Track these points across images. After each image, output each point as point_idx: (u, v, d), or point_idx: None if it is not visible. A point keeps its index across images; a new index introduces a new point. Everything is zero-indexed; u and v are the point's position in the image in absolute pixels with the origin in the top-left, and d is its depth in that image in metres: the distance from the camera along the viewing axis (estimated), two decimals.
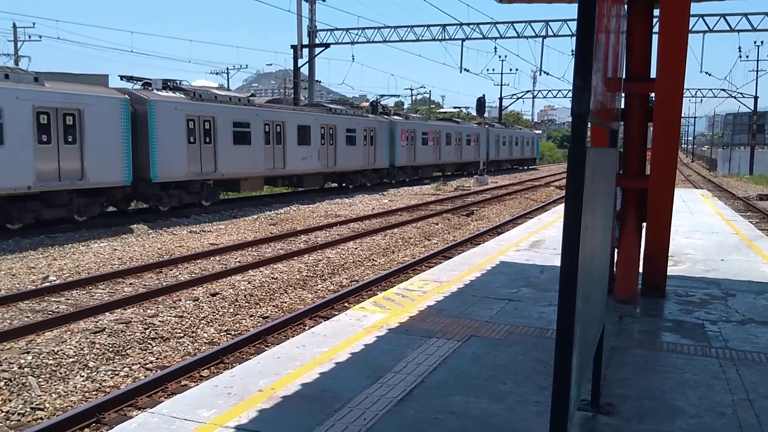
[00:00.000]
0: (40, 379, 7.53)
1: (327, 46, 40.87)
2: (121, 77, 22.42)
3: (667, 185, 8.28)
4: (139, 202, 22.54)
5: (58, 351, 8.22)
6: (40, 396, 7.16)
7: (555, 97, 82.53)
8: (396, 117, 39.98)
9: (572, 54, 39.90)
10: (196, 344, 9.09)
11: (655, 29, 8.44)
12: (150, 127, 20.57)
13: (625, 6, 7.78)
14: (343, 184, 33.84)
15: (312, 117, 29.62)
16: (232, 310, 10.65)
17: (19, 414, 6.74)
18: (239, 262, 14.24)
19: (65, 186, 18.10)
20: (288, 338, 8.10)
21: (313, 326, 8.29)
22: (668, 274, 8.83)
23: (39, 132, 17.34)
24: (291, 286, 12.43)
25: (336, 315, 8.44)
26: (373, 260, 15.28)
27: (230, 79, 68.38)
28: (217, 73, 74.89)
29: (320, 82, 49.98)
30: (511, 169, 63.07)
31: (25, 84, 17.24)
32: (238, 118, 24.60)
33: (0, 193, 16.58)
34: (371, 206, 26.35)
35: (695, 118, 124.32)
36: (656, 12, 8.40)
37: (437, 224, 21.27)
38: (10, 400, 7.00)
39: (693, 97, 79.00)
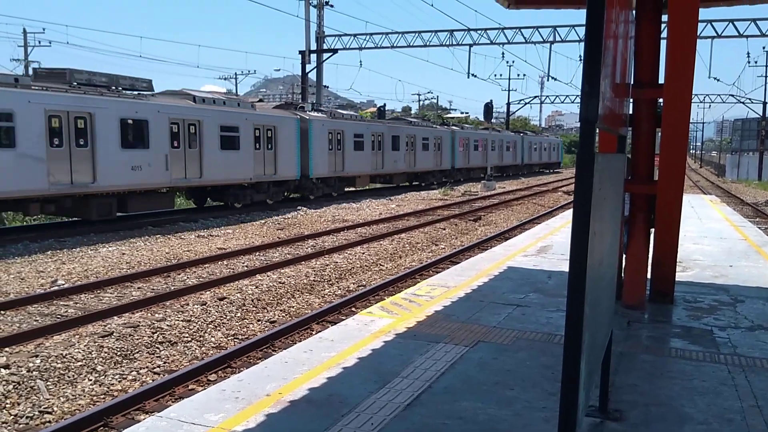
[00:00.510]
0: (48, 383, 7.56)
1: (335, 51, 41.00)
2: None
3: (676, 191, 8.26)
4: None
5: (66, 354, 8.25)
6: (48, 399, 7.19)
7: (563, 102, 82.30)
8: (455, 127, 48.01)
9: (580, 59, 39.84)
10: (203, 348, 9.10)
11: (664, 35, 8.43)
12: (310, 138, 28.83)
13: (634, 12, 7.78)
14: (408, 184, 41.50)
15: (403, 129, 39.13)
16: (239, 314, 10.67)
17: (27, 417, 6.77)
18: (247, 266, 14.26)
19: (267, 179, 26.58)
20: (295, 343, 8.11)
21: (320, 331, 8.30)
22: (677, 279, 8.80)
23: (256, 142, 25.64)
24: (298, 290, 12.44)
25: (343, 320, 8.44)
26: (381, 265, 15.28)
27: (238, 84, 68.63)
28: (225, 78, 75.08)
29: (328, 87, 50.12)
30: (539, 172, 71.03)
31: (246, 109, 25.71)
32: (357, 131, 33.58)
33: (242, 182, 25.27)
34: (378, 211, 26.36)
35: (704, 123, 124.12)
36: (664, 18, 8.40)
37: (444, 229, 21.26)
38: (18, 404, 7.03)
39: (701, 102, 78.79)
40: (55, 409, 7.00)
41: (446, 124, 49.02)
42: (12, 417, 6.74)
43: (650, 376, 6.00)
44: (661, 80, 8.16)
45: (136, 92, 20.19)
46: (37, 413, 6.87)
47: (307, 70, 40.09)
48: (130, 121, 19.98)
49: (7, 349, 8.44)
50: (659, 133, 8.49)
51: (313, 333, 9.21)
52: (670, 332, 7.48)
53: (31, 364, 7.86)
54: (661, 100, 8.30)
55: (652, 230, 8.46)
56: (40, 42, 51.97)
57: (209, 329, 9.84)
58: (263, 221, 22.48)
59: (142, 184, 20.71)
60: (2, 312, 10.28)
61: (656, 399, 5.42)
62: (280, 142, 26.99)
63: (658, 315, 8.18)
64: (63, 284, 12.31)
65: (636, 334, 7.39)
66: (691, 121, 9.16)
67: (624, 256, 8.26)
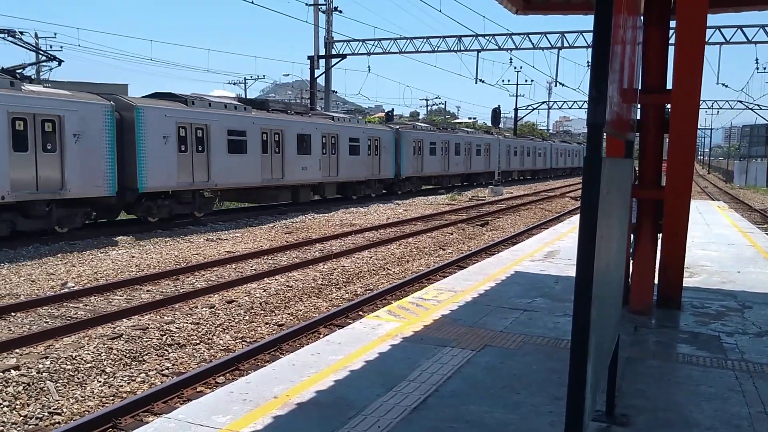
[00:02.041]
0: (58, 384, 7.61)
1: (343, 56, 41.10)
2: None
3: (683, 196, 8.26)
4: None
5: (76, 356, 8.31)
6: (57, 400, 7.24)
7: (570, 108, 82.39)
8: (500, 136, 55.52)
9: (588, 65, 39.78)
10: (211, 351, 9.15)
11: (672, 40, 8.45)
12: (402, 146, 36.07)
13: (641, 17, 7.80)
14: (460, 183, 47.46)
15: (463, 138, 45.91)
16: (247, 317, 10.71)
17: (37, 418, 6.82)
18: (255, 270, 14.32)
19: (374, 177, 33.57)
20: (303, 346, 8.13)
21: (327, 334, 8.33)
22: (684, 285, 8.79)
23: (369, 150, 32.85)
24: (306, 294, 12.48)
25: (351, 323, 8.47)
26: (388, 269, 15.31)
27: (247, 89, 68.85)
28: (234, 83, 75.44)
29: (336, 92, 50.28)
30: (562, 175, 76.90)
31: (362, 125, 33.06)
32: (432, 140, 40.14)
33: (360, 179, 32.88)
34: (386, 216, 26.38)
35: (711, 129, 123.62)
36: (672, 23, 8.41)
37: (452, 234, 21.27)
38: (28, 404, 7.09)
39: (709, 108, 78.43)
40: (65, 410, 7.05)
41: (490, 133, 56.62)
42: (22, 418, 6.79)
43: (657, 381, 6.00)
44: (669, 86, 8.17)
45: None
46: (46, 414, 6.92)
47: (315, 75, 40.20)
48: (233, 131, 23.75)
49: (17, 350, 8.51)
50: (667, 139, 8.50)
51: (321, 336, 9.24)
52: (677, 338, 7.47)
53: (41, 366, 7.92)
54: (668, 105, 8.31)
55: (660, 236, 8.47)
56: (51, 46, 52.22)
57: (218, 332, 9.89)
58: (271, 225, 22.54)
59: (240, 183, 24.68)
60: (13, 314, 10.36)
61: (663, 404, 5.43)
62: (383, 150, 34.58)
63: (665, 320, 8.17)
64: (73, 287, 12.39)
65: (643, 339, 7.39)
66: (698, 127, 9.16)
67: (631, 261, 8.27)
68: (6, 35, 20.25)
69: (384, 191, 35.93)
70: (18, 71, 18.18)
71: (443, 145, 41.99)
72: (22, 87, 17.16)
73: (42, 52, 23.15)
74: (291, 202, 28.27)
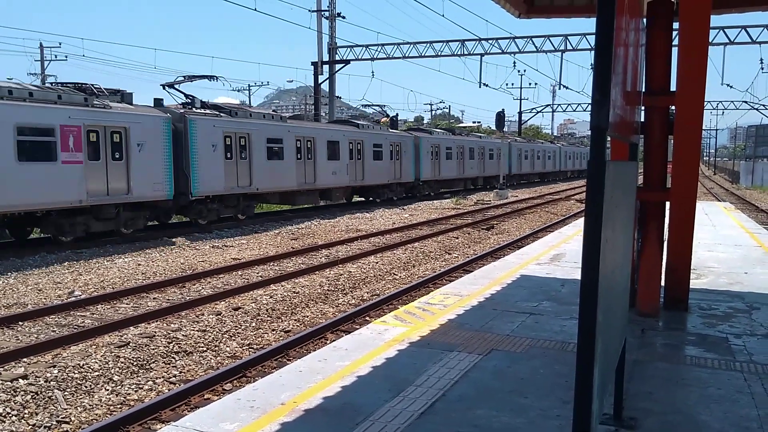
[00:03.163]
0: (65, 393, 7.63)
1: (347, 62, 41.18)
2: None
3: (689, 198, 8.24)
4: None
5: (83, 365, 8.33)
6: (65, 409, 7.26)
7: (575, 110, 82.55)
8: (563, 144, 65.24)
9: (591, 68, 39.73)
10: (218, 358, 9.16)
11: (675, 42, 8.44)
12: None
13: (645, 19, 7.79)
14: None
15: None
16: (254, 324, 10.72)
17: (45, 427, 6.84)
18: (261, 276, 14.33)
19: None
20: (310, 352, 8.13)
21: (334, 340, 8.33)
22: (691, 287, 8.76)
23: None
24: (312, 300, 12.48)
25: (357, 329, 8.47)
26: (394, 274, 15.31)
27: (252, 96, 68.99)
28: (238, 90, 75.57)
29: (340, 97, 50.31)
30: (573, 177, 79.86)
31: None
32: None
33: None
34: (392, 220, 26.39)
35: (717, 130, 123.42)
36: (676, 25, 8.41)
37: (457, 238, 21.25)
38: (36, 413, 7.10)
39: (714, 109, 78.34)
40: (73, 418, 7.07)
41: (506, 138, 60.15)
42: (30, 427, 6.81)
43: (665, 383, 5.98)
44: (673, 88, 8.16)
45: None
46: (54, 423, 6.93)
47: (319, 81, 40.29)
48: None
49: (25, 359, 8.54)
50: (672, 141, 8.48)
51: (328, 342, 9.23)
52: (684, 340, 7.45)
53: (48, 375, 7.94)
54: (673, 107, 8.30)
55: (666, 237, 8.45)
56: (56, 56, 52.57)
57: (224, 339, 9.90)
58: (277, 231, 22.57)
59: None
60: (20, 323, 10.39)
61: (671, 407, 5.41)
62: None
63: (673, 323, 8.15)
64: (80, 295, 12.42)
65: (650, 341, 7.37)
66: (703, 128, 9.14)
67: (638, 263, 8.25)
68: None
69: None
70: (95, 86, 19.64)
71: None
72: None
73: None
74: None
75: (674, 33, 8.66)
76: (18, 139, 16.36)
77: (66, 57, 56.36)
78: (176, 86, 23.25)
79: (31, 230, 19.08)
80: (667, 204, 8.42)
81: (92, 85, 19.49)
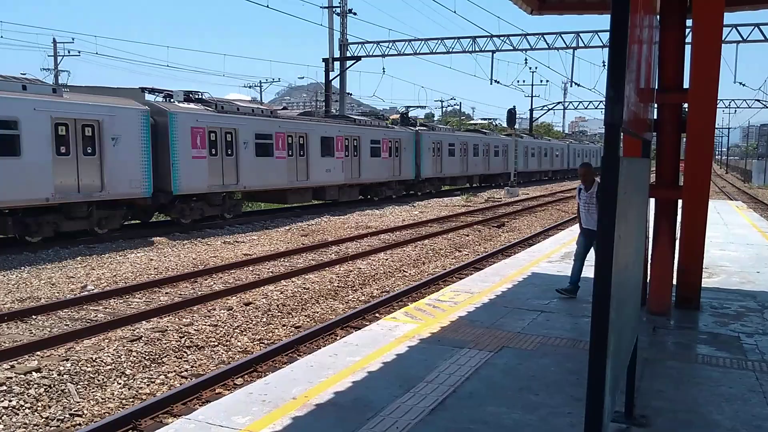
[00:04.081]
0: (78, 386, 7.69)
1: (358, 59, 41.12)
2: None
3: (701, 196, 8.20)
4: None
5: (96, 358, 8.39)
6: (78, 402, 7.32)
7: (586, 108, 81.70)
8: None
9: (603, 65, 39.56)
10: (230, 353, 9.20)
11: (688, 39, 8.39)
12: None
13: (658, 16, 7.76)
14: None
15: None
16: (265, 319, 10.76)
17: (58, 420, 6.90)
18: (272, 272, 14.37)
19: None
20: (320, 348, 8.17)
21: (344, 336, 8.36)
22: (702, 286, 8.73)
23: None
24: (322, 296, 12.51)
25: (367, 325, 8.49)
26: (404, 271, 15.31)
27: (263, 92, 69.11)
28: (250, 87, 75.70)
29: (351, 94, 50.32)
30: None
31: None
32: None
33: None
34: (401, 217, 26.39)
35: (729, 128, 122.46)
36: (689, 22, 8.36)
37: (468, 236, 21.24)
38: (49, 406, 7.16)
39: (727, 108, 77.77)
40: (85, 412, 7.13)
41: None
42: (43, 420, 6.87)
43: (677, 382, 5.97)
44: (686, 85, 8.13)
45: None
46: (67, 416, 6.99)
47: (330, 78, 40.28)
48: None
49: (38, 352, 8.61)
50: (684, 138, 8.45)
51: (338, 338, 9.27)
52: (696, 338, 7.42)
53: (62, 368, 8.00)
54: (685, 105, 8.26)
55: (678, 236, 8.42)
56: (69, 52, 52.82)
57: (236, 334, 9.94)
58: (288, 227, 22.62)
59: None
60: (34, 317, 10.48)
61: (683, 405, 5.40)
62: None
63: (684, 321, 8.13)
64: (93, 289, 12.50)
65: (662, 340, 7.35)
66: (716, 126, 9.08)
67: (649, 262, 8.22)
68: None
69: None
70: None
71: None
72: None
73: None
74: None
75: (687, 30, 8.62)
76: None
77: (79, 53, 56.65)
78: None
79: None
80: (680, 202, 8.39)
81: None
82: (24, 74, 18.72)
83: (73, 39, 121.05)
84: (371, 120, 35.92)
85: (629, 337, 4.17)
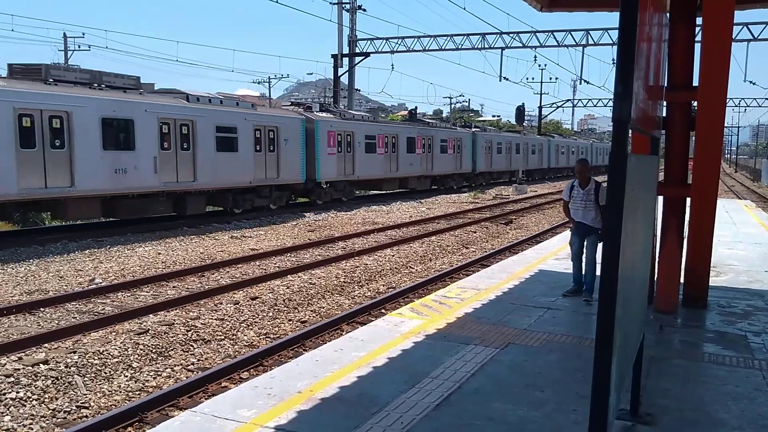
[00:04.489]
0: (85, 378, 7.73)
1: (367, 55, 41.10)
2: None
3: (710, 195, 8.17)
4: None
5: (103, 351, 8.43)
6: (85, 395, 7.36)
7: (595, 106, 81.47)
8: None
9: (613, 62, 39.35)
10: (236, 347, 9.23)
11: (698, 37, 8.35)
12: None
13: (667, 14, 7.72)
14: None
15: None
16: (271, 314, 10.79)
17: (65, 412, 6.94)
18: (278, 267, 14.40)
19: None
20: (326, 342, 8.18)
21: (350, 331, 8.37)
22: (710, 285, 8.70)
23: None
24: (329, 291, 12.53)
25: (373, 321, 8.50)
26: (411, 267, 15.32)
27: (272, 88, 69.19)
28: (258, 82, 76.05)
29: (359, 90, 50.29)
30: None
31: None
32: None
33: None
34: (408, 214, 26.39)
35: (739, 127, 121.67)
36: (699, 20, 8.32)
37: (475, 232, 21.22)
38: (56, 398, 7.20)
39: (737, 106, 77.30)
40: (92, 404, 7.16)
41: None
42: (50, 411, 6.91)
43: (683, 380, 5.96)
44: (695, 83, 8.09)
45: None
46: (74, 408, 7.03)
47: (339, 74, 40.27)
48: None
49: (46, 345, 8.65)
50: (693, 137, 8.42)
51: (344, 333, 9.27)
52: (703, 337, 7.40)
53: (69, 360, 8.04)
54: (695, 103, 8.23)
55: (686, 234, 8.39)
56: (79, 46, 52.80)
57: (242, 328, 9.97)
58: (294, 223, 22.66)
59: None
60: (42, 309, 10.53)
61: (689, 403, 5.39)
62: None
63: (691, 320, 8.10)
64: (100, 283, 12.55)
65: (668, 338, 7.33)
66: (725, 124, 9.03)
67: (656, 260, 8.20)
68: None
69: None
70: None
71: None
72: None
73: None
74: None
75: (697, 28, 8.58)
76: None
77: (89, 47, 56.68)
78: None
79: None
80: (688, 200, 8.36)
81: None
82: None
83: (83, 33, 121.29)
84: (439, 123, 44.31)
85: (635, 334, 4.16)
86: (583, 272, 8.99)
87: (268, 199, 25.01)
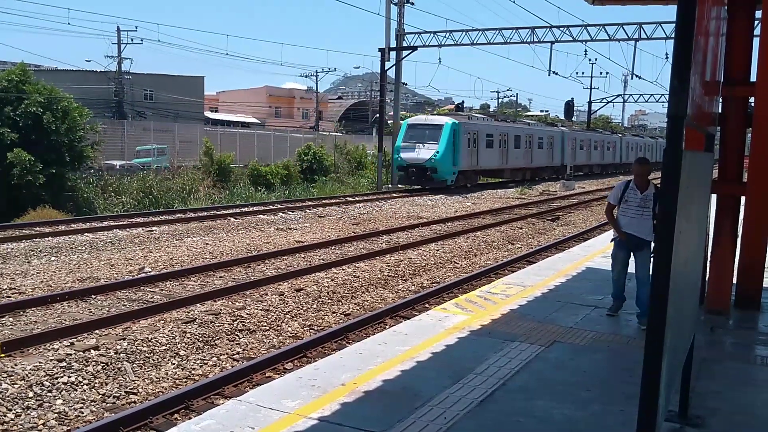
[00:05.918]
0: (134, 365, 7.90)
1: (414, 48, 40.91)
2: None
3: (766, 193, 7.93)
4: None
5: (151, 339, 8.60)
6: (133, 381, 7.52)
7: (647, 101, 79.78)
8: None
9: (667, 57, 38.63)
10: (280, 337, 9.32)
11: (757, 31, 8.11)
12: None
13: (725, 7, 7.51)
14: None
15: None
16: (315, 306, 10.87)
17: (114, 397, 7.10)
18: (323, 259, 14.49)
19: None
20: (369, 335, 8.20)
21: (394, 325, 8.38)
22: (764, 285, 8.46)
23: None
24: (372, 285, 12.56)
25: (417, 315, 8.50)
26: (455, 263, 15.25)
27: (319, 82, 69.51)
28: (306, 76, 76.29)
29: (406, 84, 50.18)
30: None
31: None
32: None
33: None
34: (454, 208, 26.29)
35: None
36: (758, 14, 8.08)
37: (521, 228, 21.02)
38: (106, 383, 7.38)
39: None
40: (140, 390, 7.32)
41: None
42: (100, 396, 7.08)
43: (734, 383, 5.81)
44: (753, 78, 7.86)
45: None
46: (123, 393, 7.20)
47: (386, 68, 40.21)
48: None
49: (97, 331, 8.87)
50: (749, 133, 8.18)
51: (387, 327, 9.28)
52: (755, 339, 7.22)
53: (118, 347, 8.23)
54: (752, 98, 7.99)
55: (740, 233, 8.17)
56: (132, 39, 53.87)
57: (286, 319, 10.07)
58: (339, 216, 22.77)
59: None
60: (93, 296, 10.80)
61: (739, 407, 5.26)
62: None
63: (744, 321, 7.90)
64: (150, 272, 12.81)
65: (720, 340, 7.16)
66: None
67: (709, 259, 8.00)
68: None
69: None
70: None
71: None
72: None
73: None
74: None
75: (756, 22, 8.33)
76: None
77: (142, 40, 57.66)
78: None
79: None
80: (743, 199, 8.14)
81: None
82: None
83: (136, 27, 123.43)
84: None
85: (686, 335, 4.07)
86: (636, 294, 7.61)
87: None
